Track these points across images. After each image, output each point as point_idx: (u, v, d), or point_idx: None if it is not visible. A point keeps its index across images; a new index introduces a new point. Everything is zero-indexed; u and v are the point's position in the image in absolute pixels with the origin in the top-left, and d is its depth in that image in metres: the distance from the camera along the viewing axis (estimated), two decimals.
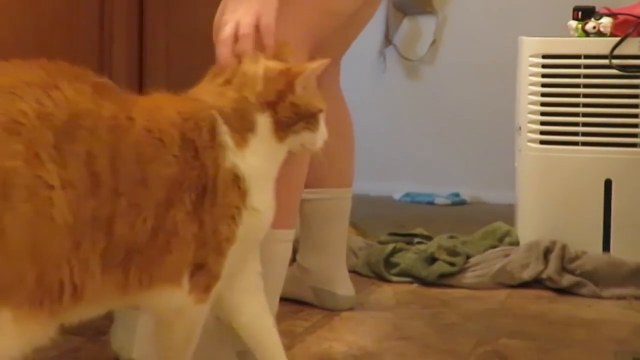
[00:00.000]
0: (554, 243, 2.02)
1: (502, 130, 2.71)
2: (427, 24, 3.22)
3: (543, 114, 2.15)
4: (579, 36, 2.18)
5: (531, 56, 2.16)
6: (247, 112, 1.08)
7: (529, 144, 2.16)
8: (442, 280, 1.96)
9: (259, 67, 1.11)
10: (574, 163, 2.11)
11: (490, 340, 1.54)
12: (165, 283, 1.01)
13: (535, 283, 1.95)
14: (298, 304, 1.73)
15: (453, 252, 2.02)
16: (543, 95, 2.16)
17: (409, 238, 2.23)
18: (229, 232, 1.05)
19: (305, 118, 1.12)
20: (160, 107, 1.02)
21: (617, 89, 2.10)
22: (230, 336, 1.27)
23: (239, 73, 1.11)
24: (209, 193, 1.02)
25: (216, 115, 1.05)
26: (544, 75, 2.15)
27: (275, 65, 1.12)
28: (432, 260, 2.00)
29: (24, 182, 0.85)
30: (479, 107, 3.13)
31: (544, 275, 1.95)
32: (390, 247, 2.07)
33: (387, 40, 3.27)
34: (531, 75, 2.16)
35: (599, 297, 1.89)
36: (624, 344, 1.55)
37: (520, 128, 2.19)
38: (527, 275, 1.95)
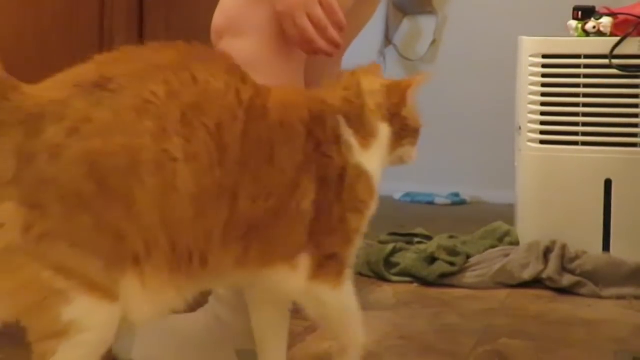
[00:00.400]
0: (554, 243, 2.02)
1: (502, 130, 2.71)
2: (427, 23, 3.22)
3: (543, 113, 2.15)
4: (579, 36, 2.18)
5: (531, 56, 2.16)
6: (370, 119, 1.13)
7: (529, 144, 2.16)
8: (442, 280, 1.96)
9: (374, 80, 1.17)
10: (574, 163, 2.11)
11: (490, 340, 1.54)
12: (281, 263, 1.06)
13: (535, 283, 1.95)
14: (298, 304, 1.73)
15: (453, 252, 2.02)
16: (543, 95, 2.16)
17: (409, 238, 2.23)
18: (357, 223, 1.10)
19: (413, 132, 1.18)
20: (292, 103, 1.08)
21: (617, 89, 2.10)
22: (231, 334, 1.27)
23: (354, 84, 1.16)
24: (334, 184, 1.07)
25: (341, 119, 1.10)
26: (544, 75, 2.15)
27: (383, 80, 1.19)
28: (432, 260, 2.00)
29: (151, 157, 0.91)
30: (479, 107, 3.13)
31: (544, 275, 1.95)
32: (390, 247, 2.07)
33: (387, 40, 3.27)
34: (531, 75, 2.16)
35: (599, 297, 1.89)
36: (624, 343, 1.55)
37: (520, 128, 2.19)
38: (527, 275, 1.95)
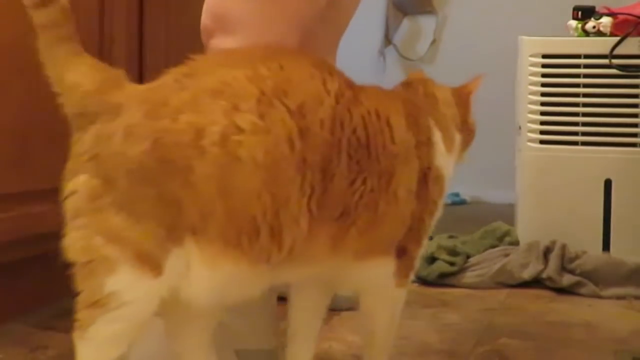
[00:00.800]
0: (553, 243, 2.02)
1: (502, 130, 2.71)
2: (427, 23, 3.23)
3: (543, 113, 2.15)
4: (578, 36, 2.18)
5: (531, 56, 2.16)
6: (450, 127, 1.18)
7: (529, 143, 2.16)
8: (442, 280, 1.96)
9: (444, 89, 1.22)
10: (573, 163, 2.11)
11: (490, 340, 1.54)
12: (379, 256, 1.07)
13: (535, 283, 1.95)
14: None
15: (453, 252, 2.03)
16: (543, 94, 2.16)
17: None
18: (429, 224, 1.11)
19: (473, 136, 1.23)
20: (388, 97, 1.11)
21: (617, 89, 2.10)
22: (230, 335, 1.27)
23: (430, 92, 1.19)
24: (420, 183, 1.08)
25: (431, 121, 1.14)
26: (544, 75, 2.15)
27: (446, 87, 1.24)
28: (432, 259, 2.01)
29: (216, 129, 0.93)
30: (479, 106, 3.12)
31: (543, 275, 1.95)
32: None
33: (387, 40, 3.27)
34: (531, 75, 2.16)
35: (599, 296, 1.89)
36: (623, 343, 1.55)
37: (520, 128, 2.19)
38: (527, 274, 1.95)
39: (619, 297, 1.88)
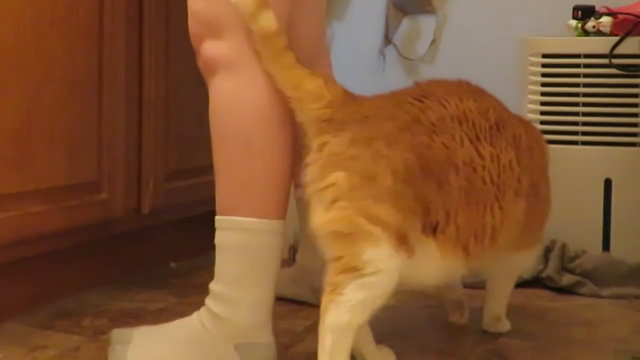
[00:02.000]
0: (553, 242, 2.02)
1: None
2: (426, 23, 3.22)
3: (543, 113, 2.15)
4: (578, 35, 2.17)
5: (531, 55, 2.16)
6: None
7: None
8: None
9: None
10: (573, 162, 2.11)
11: (490, 340, 1.54)
12: (527, 248, 1.47)
13: (535, 282, 1.95)
14: (298, 304, 1.73)
15: None
16: (543, 94, 2.16)
17: None
18: None
19: None
20: (526, 121, 1.49)
21: (617, 88, 2.10)
22: (229, 329, 1.27)
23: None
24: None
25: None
26: (543, 75, 2.15)
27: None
28: None
29: (466, 153, 1.21)
30: None
31: (543, 275, 1.95)
32: None
33: (387, 39, 3.26)
34: (531, 74, 2.16)
35: (599, 296, 1.89)
36: (623, 343, 1.55)
37: None
38: (526, 274, 1.95)
39: (619, 297, 1.88)
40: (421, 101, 1.23)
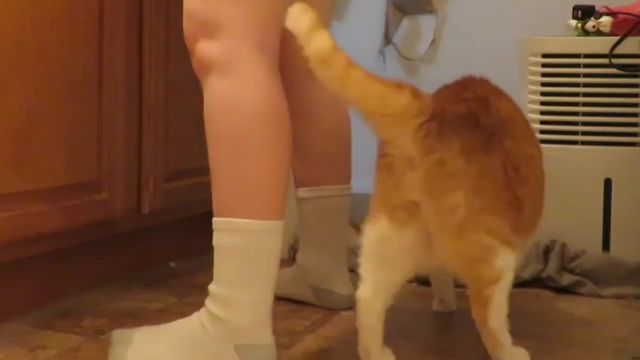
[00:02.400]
0: (553, 242, 2.02)
1: None
2: (426, 23, 3.22)
3: (543, 112, 2.15)
4: (578, 35, 2.18)
5: (531, 55, 2.16)
6: None
7: None
8: None
9: None
10: (573, 162, 2.11)
11: None
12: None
13: (535, 282, 1.95)
14: (298, 304, 1.73)
15: None
16: (543, 94, 2.16)
17: None
18: None
19: None
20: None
21: (617, 88, 2.10)
22: (228, 330, 1.27)
23: None
24: None
25: None
26: (543, 75, 2.15)
27: None
28: None
29: (534, 154, 1.40)
30: None
31: (543, 275, 1.95)
32: None
33: (387, 39, 3.26)
34: (531, 74, 2.16)
35: (599, 296, 1.89)
36: (623, 343, 1.55)
37: None
38: (526, 274, 1.95)
39: (619, 297, 1.88)
40: (486, 102, 1.32)
